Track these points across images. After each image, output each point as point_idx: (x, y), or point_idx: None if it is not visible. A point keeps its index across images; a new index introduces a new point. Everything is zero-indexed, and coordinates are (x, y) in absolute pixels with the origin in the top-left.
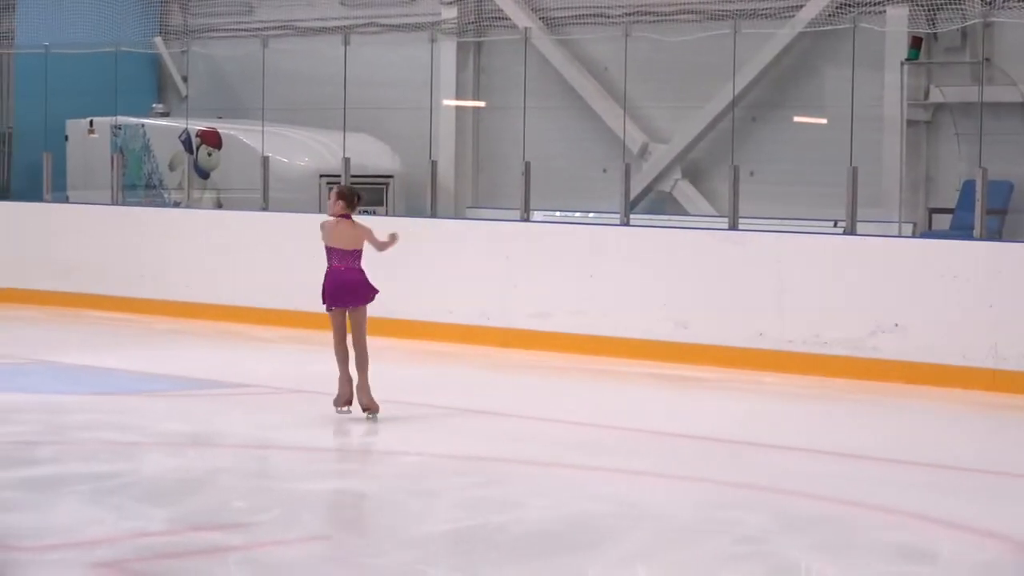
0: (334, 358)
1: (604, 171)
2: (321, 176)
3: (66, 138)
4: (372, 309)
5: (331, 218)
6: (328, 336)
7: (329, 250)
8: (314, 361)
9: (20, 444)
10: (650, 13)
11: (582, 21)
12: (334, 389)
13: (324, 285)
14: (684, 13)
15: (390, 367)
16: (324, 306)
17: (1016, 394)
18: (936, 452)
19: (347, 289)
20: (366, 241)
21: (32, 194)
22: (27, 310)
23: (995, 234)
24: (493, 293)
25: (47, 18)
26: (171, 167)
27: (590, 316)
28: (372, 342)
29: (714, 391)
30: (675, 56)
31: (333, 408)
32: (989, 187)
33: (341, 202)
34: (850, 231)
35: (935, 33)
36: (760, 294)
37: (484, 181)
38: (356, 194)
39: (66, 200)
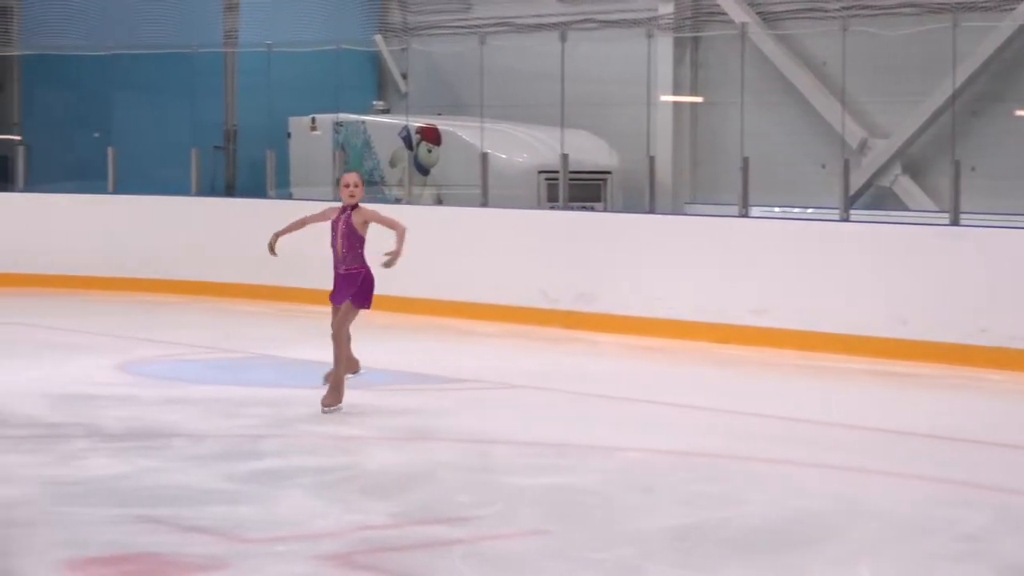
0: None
1: (823, 167)
2: (539, 172)
3: (288, 135)
4: (584, 303)
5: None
6: (550, 333)
7: None
8: (531, 356)
9: (246, 438)
10: (868, 7)
11: (799, 15)
12: (553, 384)
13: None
14: (903, 7)
15: (609, 362)
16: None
17: None
18: None
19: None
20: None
21: (256, 190)
22: (251, 305)
23: None
24: (710, 288)
25: (270, 17)
26: (392, 163)
27: (808, 312)
28: (592, 337)
29: (933, 388)
30: (893, 50)
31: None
32: None
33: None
34: None
35: None
36: (981, 290)
37: (702, 176)
38: None
39: (289, 196)
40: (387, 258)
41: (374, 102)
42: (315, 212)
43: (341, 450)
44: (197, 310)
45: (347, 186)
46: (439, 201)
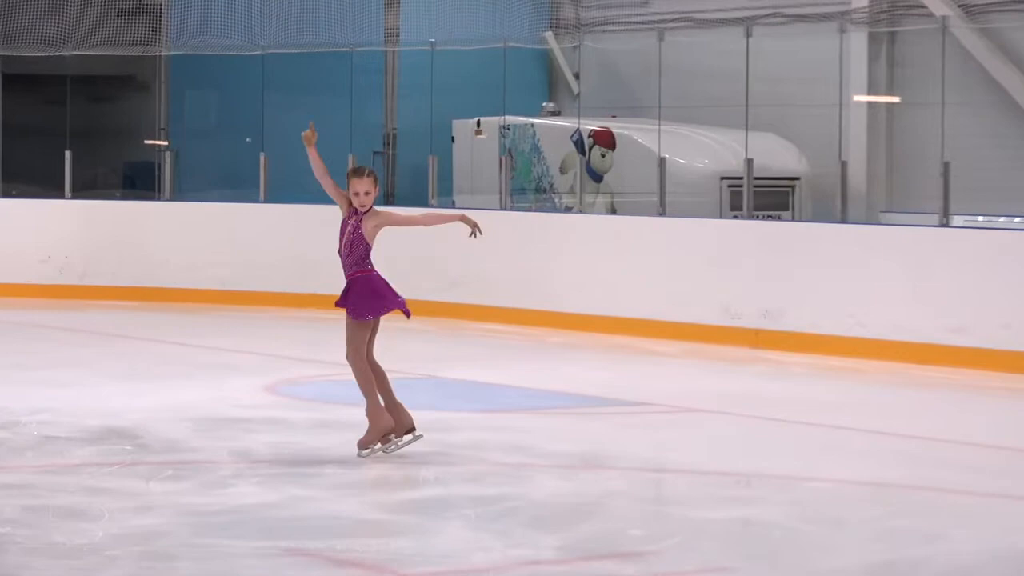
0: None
1: None
2: (722, 179)
3: (452, 139)
4: (770, 321)
5: None
6: (732, 352)
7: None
8: (712, 377)
9: (406, 464)
10: None
11: (1004, 7)
12: (736, 408)
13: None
14: None
15: (796, 384)
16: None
17: None
18: None
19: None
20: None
21: (416, 199)
22: (413, 322)
23: None
24: (906, 304)
25: (432, 14)
26: (562, 170)
27: (1014, 331)
28: (778, 356)
29: None
30: None
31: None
32: None
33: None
34: None
35: None
36: None
37: (898, 183)
38: None
39: (451, 205)
40: (473, 233)
41: (544, 103)
42: (339, 190)
43: (505, 478)
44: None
45: (356, 194)
46: (613, 210)
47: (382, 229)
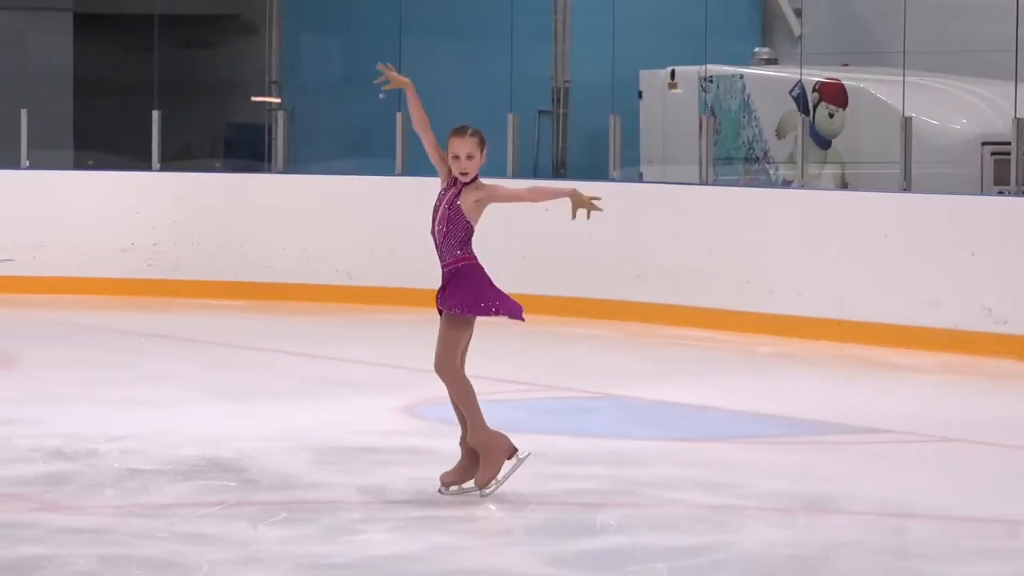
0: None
1: None
2: (984, 144)
3: (639, 95)
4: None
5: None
6: (998, 366)
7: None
8: (972, 397)
9: (581, 506)
10: None
11: None
12: (1005, 437)
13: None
14: None
15: None
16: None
17: None
18: None
19: None
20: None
21: (594, 170)
22: (587, 326)
23: None
24: None
25: None
26: (779, 134)
27: None
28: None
29: None
30: None
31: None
32: None
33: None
34: None
35: None
36: None
37: None
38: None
39: (639, 178)
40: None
41: (756, 50)
42: (440, 152)
43: (708, 524)
44: (512, 333)
45: (457, 158)
46: (844, 184)
47: (486, 208)
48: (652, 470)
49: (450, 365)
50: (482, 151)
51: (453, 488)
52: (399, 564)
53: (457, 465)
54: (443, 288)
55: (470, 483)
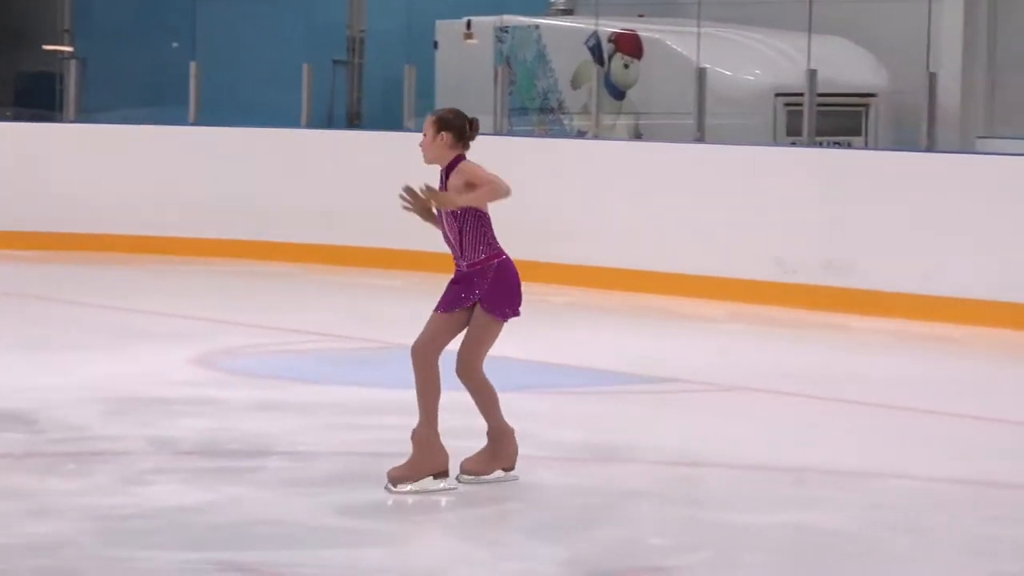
0: None
1: None
2: (777, 95)
3: (435, 45)
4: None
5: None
6: (787, 315)
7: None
8: (762, 347)
9: (370, 456)
10: None
11: None
12: (792, 386)
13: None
14: None
15: (871, 356)
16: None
17: None
18: None
19: None
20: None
21: (389, 120)
22: (383, 276)
23: None
24: (1015, 256)
25: None
26: (574, 84)
27: None
28: (846, 321)
29: None
30: None
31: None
32: None
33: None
34: None
35: None
36: None
37: (1001, 102)
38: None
39: None
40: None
41: (552, 0)
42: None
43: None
44: (308, 283)
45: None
46: (638, 135)
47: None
48: (444, 420)
49: (478, 370)
50: (436, 131)
51: (468, 477)
52: (189, 515)
53: (481, 453)
54: (473, 284)
55: (493, 475)
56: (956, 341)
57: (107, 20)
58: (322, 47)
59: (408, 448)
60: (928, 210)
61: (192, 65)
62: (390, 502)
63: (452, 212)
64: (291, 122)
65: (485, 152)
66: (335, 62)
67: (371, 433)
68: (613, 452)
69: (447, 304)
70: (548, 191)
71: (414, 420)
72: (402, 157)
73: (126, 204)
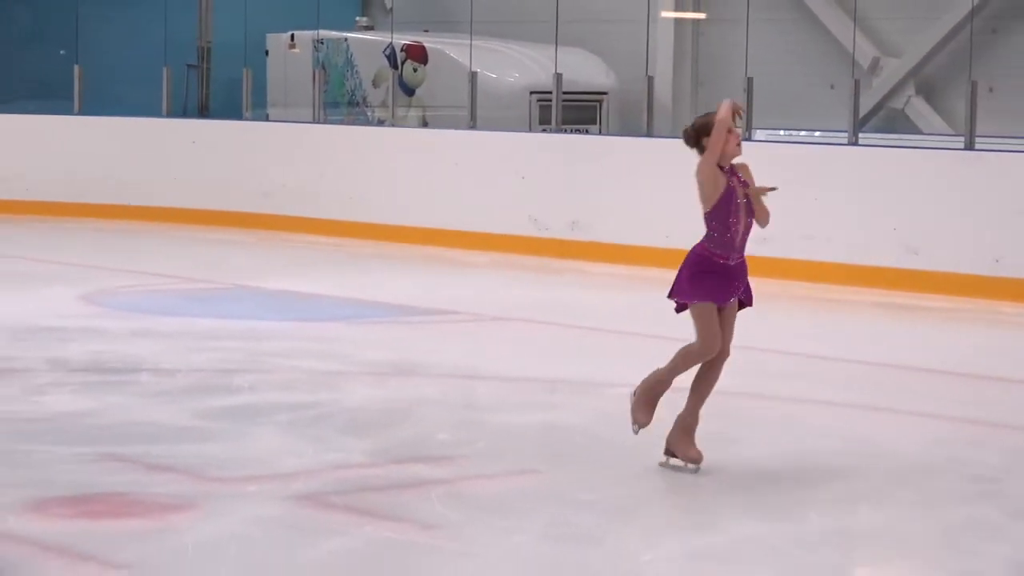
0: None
1: (832, 87)
2: (531, 93)
3: (266, 53)
4: (577, 232)
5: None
6: (540, 262)
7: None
8: (520, 287)
9: (218, 372)
10: None
11: None
12: (544, 317)
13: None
14: None
15: (603, 294)
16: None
17: None
18: None
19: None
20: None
21: (231, 112)
22: (228, 233)
23: None
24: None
25: None
26: (375, 83)
27: (814, 241)
28: (584, 266)
29: (946, 321)
30: None
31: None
32: None
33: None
34: None
35: None
36: (998, 218)
37: (704, 98)
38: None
39: (266, 118)
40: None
41: (357, 18)
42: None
43: (318, 386)
44: (168, 238)
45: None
46: (424, 123)
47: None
48: (276, 344)
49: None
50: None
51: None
52: (79, 418)
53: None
54: (742, 279)
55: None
56: (667, 281)
57: (6, 30)
58: (178, 54)
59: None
60: (648, 181)
61: (76, 68)
62: (248, 409)
63: (749, 207)
64: (154, 113)
65: (308, 136)
66: (188, 66)
67: (219, 354)
68: (409, 368)
69: (727, 296)
70: (355, 168)
71: (255, 345)
72: (241, 140)
73: (20, 175)
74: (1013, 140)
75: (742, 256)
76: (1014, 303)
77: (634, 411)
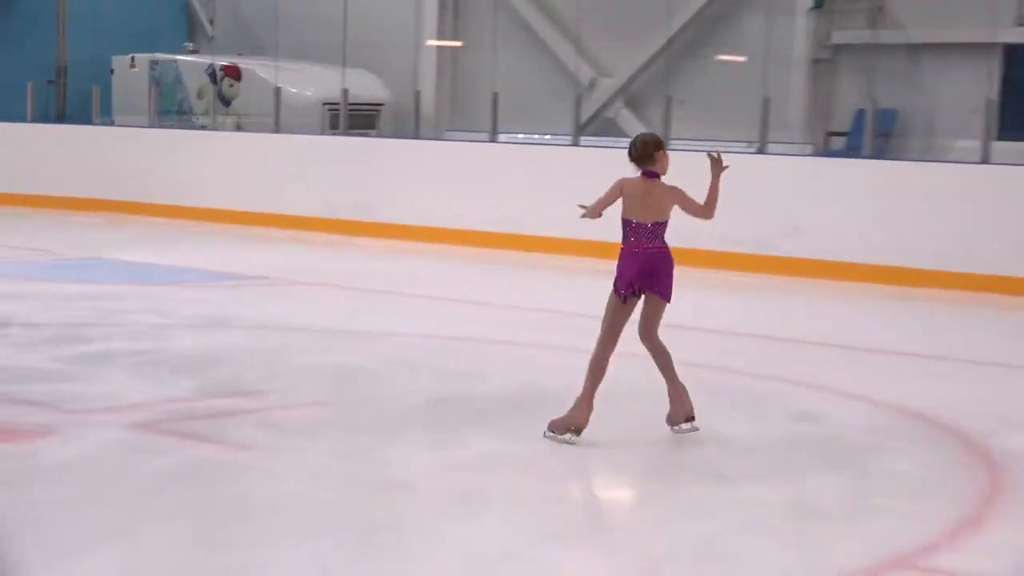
0: (589, 367)
1: (560, 101)
2: (324, 104)
3: (112, 72)
4: (360, 213)
5: (634, 177)
6: (332, 238)
7: (635, 225)
8: (316, 258)
9: (75, 326)
10: None
11: None
12: (336, 281)
13: (626, 267)
14: None
15: (382, 263)
16: (620, 294)
17: (891, 284)
18: (834, 332)
19: (661, 273)
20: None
21: (84, 118)
22: (85, 216)
23: (881, 153)
24: (466, 201)
25: None
26: (199, 96)
27: (549, 222)
28: (368, 242)
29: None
30: (620, 3)
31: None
32: (877, 115)
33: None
34: (762, 151)
35: None
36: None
37: (460, 109)
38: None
39: (112, 123)
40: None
41: (185, 44)
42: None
43: (155, 336)
44: (35, 222)
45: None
46: (239, 128)
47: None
48: (121, 303)
49: (656, 335)
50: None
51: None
52: None
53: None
54: (656, 277)
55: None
56: (436, 254)
57: None
58: (40, 72)
59: None
60: (416, 174)
61: None
62: (99, 356)
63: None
64: (19, 118)
65: (145, 140)
66: (48, 81)
67: (76, 313)
68: (224, 321)
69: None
70: (186, 163)
71: (107, 304)
72: (92, 141)
73: None
74: (699, 142)
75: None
76: (704, 268)
77: None
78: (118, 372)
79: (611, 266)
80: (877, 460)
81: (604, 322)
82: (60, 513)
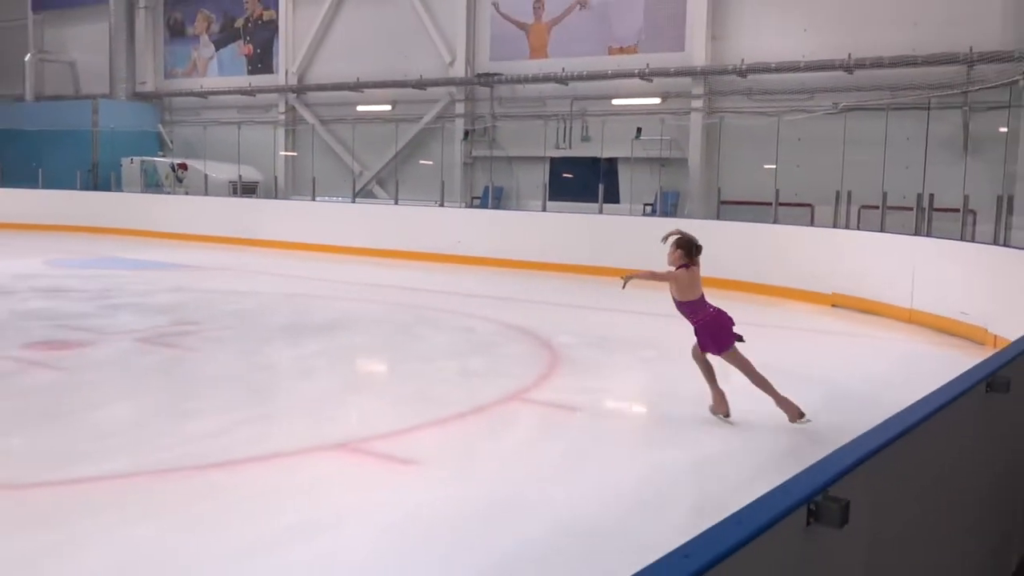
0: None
1: (344, 180)
2: (229, 182)
3: (120, 165)
4: (249, 233)
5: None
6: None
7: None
8: (225, 256)
9: (102, 291)
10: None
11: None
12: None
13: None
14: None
15: (260, 259)
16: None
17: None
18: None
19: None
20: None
21: (108, 189)
22: (106, 235)
23: (498, 207)
24: (302, 227)
25: None
26: (166, 178)
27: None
28: (253, 249)
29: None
30: (373, 132)
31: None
32: (495, 189)
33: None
34: (441, 204)
35: (473, 129)
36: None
37: (297, 184)
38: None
39: (122, 191)
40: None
41: (159, 152)
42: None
43: (145, 295)
44: (82, 236)
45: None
46: (187, 193)
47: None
48: (129, 280)
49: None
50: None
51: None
52: None
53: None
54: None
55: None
56: (292, 254)
57: None
58: (81, 164)
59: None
60: (279, 214)
61: None
62: (116, 306)
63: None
64: (72, 189)
65: (140, 199)
66: (88, 170)
67: (102, 284)
68: (182, 288)
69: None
70: (161, 211)
71: (118, 280)
72: (114, 200)
73: None
74: (414, 201)
75: (689, 319)
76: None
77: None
78: (126, 314)
79: (376, 261)
80: (501, 349)
81: (744, 362)
82: (96, 385)
